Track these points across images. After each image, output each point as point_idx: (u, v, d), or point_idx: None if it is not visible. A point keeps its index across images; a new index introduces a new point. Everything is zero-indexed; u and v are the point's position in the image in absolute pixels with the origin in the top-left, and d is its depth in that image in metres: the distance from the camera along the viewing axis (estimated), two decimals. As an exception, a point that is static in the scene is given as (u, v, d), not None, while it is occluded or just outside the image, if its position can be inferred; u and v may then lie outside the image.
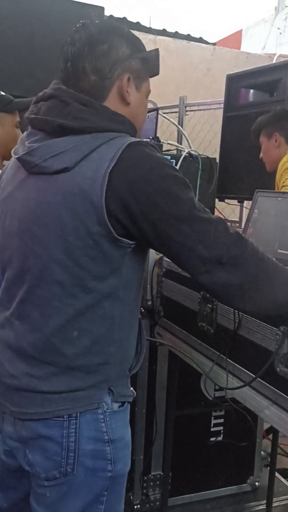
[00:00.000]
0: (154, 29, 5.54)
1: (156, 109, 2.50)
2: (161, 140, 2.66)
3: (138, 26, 5.48)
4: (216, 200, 2.92)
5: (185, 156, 2.50)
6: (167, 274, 1.81)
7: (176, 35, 5.74)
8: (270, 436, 2.42)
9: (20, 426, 1.14)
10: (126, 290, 1.11)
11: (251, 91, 2.89)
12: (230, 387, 1.38)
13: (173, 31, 5.81)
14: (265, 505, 2.31)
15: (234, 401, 1.42)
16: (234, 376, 1.38)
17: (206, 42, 6.05)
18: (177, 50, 5.25)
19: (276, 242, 1.46)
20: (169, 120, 3.22)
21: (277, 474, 2.39)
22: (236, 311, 1.34)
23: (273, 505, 2.30)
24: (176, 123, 3.49)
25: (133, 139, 1.06)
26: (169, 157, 2.53)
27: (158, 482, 2.21)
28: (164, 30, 5.74)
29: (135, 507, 2.18)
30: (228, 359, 1.40)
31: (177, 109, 3.92)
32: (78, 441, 1.10)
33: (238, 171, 2.85)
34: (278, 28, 8.65)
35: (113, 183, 1.01)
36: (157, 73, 1.20)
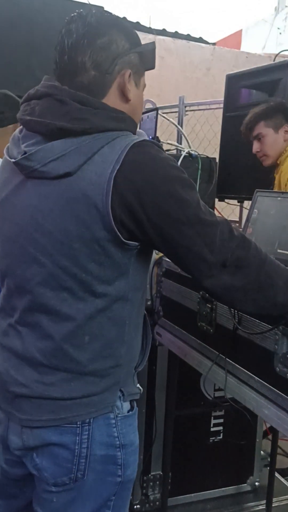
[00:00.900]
0: (154, 29, 5.54)
1: (156, 109, 2.49)
2: (161, 140, 2.65)
3: (138, 26, 5.48)
4: (216, 200, 2.92)
5: (184, 156, 2.49)
6: (167, 274, 1.81)
7: (176, 35, 5.73)
8: (271, 436, 2.42)
9: (28, 434, 1.11)
10: (134, 291, 1.10)
11: (251, 91, 2.89)
12: (229, 387, 1.38)
13: (173, 31, 5.81)
14: (265, 505, 2.31)
15: (234, 401, 1.42)
16: (234, 376, 1.38)
17: (206, 42, 6.05)
18: (177, 50, 5.25)
19: (275, 242, 1.45)
20: (168, 120, 3.21)
21: (276, 474, 2.39)
22: (235, 311, 1.34)
23: (273, 505, 2.30)
24: (176, 123, 3.48)
25: (136, 139, 1.03)
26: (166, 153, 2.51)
27: (158, 482, 2.22)
28: (164, 30, 5.74)
29: (135, 507, 2.18)
30: (227, 359, 1.40)
31: (176, 109, 3.91)
32: (90, 447, 1.09)
33: (238, 171, 2.85)
34: (278, 28, 8.65)
35: (118, 188, 0.98)
36: (153, 67, 1.16)
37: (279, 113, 2.39)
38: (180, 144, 3.08)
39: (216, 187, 2.75)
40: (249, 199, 1.72)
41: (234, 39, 8.61)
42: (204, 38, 6.17)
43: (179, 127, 3.46)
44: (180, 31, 5.85)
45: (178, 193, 1.01)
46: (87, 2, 3.23)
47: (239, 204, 3.30)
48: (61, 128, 1.02)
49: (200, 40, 6.00)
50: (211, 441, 2.27)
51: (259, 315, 1.20)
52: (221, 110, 3.06)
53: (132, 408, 1.16)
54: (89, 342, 1.07)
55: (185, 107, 3.87)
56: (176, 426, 2.07)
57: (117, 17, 1.11)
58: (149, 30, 5.43)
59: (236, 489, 2.38)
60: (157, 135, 2.57)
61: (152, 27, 5.68)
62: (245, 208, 3.09)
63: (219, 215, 1.11)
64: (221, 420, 2.28)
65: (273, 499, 2.31)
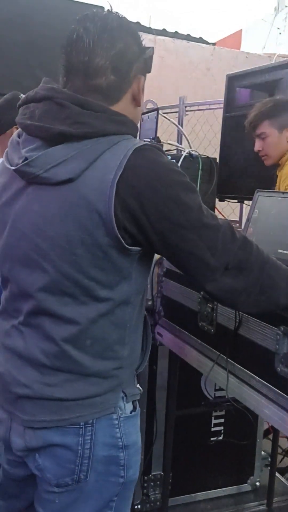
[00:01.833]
0: (154, 29, 5.53)
1: (157, 109, 2.49)
2: (161, 140, 2.65)
3: (138, 26, 5.48)
4: (216, 200, 2.92)
5: (185, 156, 2.49)
6: (168, 274, 1.81)
7: (176, 35, 5.73)
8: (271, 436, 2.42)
9: (30, 435, 1.11)
10: (136, 294, 1.10)
11: (251, 91, 2.89)
12: (230, 387, 1.38)
13: (173, 31, 5.81)
14: (265, 505, 2.31)
15: (235, 400, 1.42)
16: (235, 376, 1.38)
17: (206, 42, 6.05)
18: (176, 50, 5.25)
19: (276, 242, 1.45)
20: (169, 120, 3.21)
21: (277, 474, 2.39)
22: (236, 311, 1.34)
23: (274, 505, 2.30)
24: (176, 123, 3.48)
25: (138, 143, 1.02)
26: (169, 157, 2.52)
27: (158, 482, 2.21)
28: (164, 30, 5.73)
29: (136, 507, 2.17)
30: (228, 359, 1.39)
31: (177, 109, 3.92)
32: (93, 448, 1.09)
33: (238, 170, 2.85)
34: (278, 28, 8.64)
35: (120, 193, 0.98)
36: (150, 71, 1.16)
37: (285, 112, 2.32)
38: (181, 144, 3.08)
39: (217, 187, 2.75)
40: (250, 199, 1.73)
41: (234, 39, 8.61)
42: (204, 38, 6.17)
43: (180, 127, 3.46)
44: (180, 31, 5.85)
45: (180, 198, 1.01)
46: (87, 2, 3.23)
47: (239, 203, 3.30)
48: (62, 132, 1.01)
49: (200, 40, 5.99)
50: (211, 441, 2.26)
51: (261, 315, 1.20)
52: (221, 110, 3.06)
53: (134, 409, 1.16)
54: (91, 345, 1.07)
55: (185, 107, 3.87)
56: (176, 426, 2.07)
57: (129, 21, 1.11)
58: (149, 30, 5.42)
59: (236, 489, 2.37)
60: (157, 135, 2.58)
61: (152, 27, 5.68)
62: (247, 205, 3.08)
63: (221, 217, 1.10)
64: (222, 420, 2.28)
65: (274, 499, 2.31)
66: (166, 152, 2.78)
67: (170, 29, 5.82)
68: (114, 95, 1.08)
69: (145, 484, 2.20)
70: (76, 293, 1.04)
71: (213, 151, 3.24)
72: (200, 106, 3.89)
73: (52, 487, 1.10)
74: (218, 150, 3.04)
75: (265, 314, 1.17)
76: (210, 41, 6.34)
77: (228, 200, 3.05)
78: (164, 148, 2.83)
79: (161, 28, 5.73)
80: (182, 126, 3.72)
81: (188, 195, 1.02)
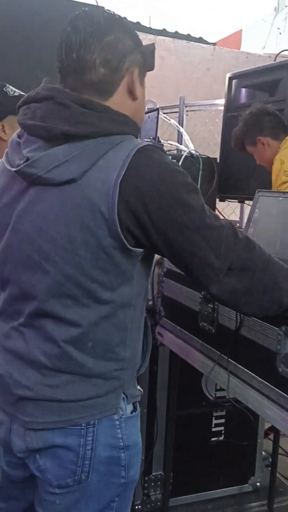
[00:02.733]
0: (154, 29, 5.53)
1: (157, 109, 2.49)
2: (162, 140, 2.65)
3: (138, 26, 5.47)
4: (217, 200, 2.92)
5: (185, 156, 2.49)
6: (168, 274, 1.81)
7: (176, 35, 5.73)
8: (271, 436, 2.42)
9: (31, 437, 1.10)
10: (137, 296, 1.10)
11: (252, 91, 2.89)
12: (231, 387, 1.38)
13: (173, 31, 5.81)
14: (266, 505, 2.31)
15: (235, 401, 1.41)
16: (236, 376, 1.37)
17: (206, 42, 6.05)
18: (177, 50, 5.25)
19: (277, 241, 1.45)
20: (169, 120, 3.21)
21: (278, 474, 2.39)
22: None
23: (274, 506, 2.30)
24: (177, 123, 3.48)
25: (140, 143, 1.01)
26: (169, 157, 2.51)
27: (159, 483, 2.21)
28: (164, 30, 5.73)
29: (136, 507, 2.17)
30: (229, 359, 1.39)
31: (177, 109, 3.92)
32: (94, 449, 1.08)
33: (239, 170, 2.85)
34: (278, 28, 8.64)
35: (123, 194, 0.97)
36: (152, 68, 1.15)
37: (252, 128, 2.45)
38: (181, 144, 3.08)
39: (217, 187, 2.75)
40: (250, 199, 1.73)
41: (234, 39, 8.61)
42: (204, 38, 6.17)
43: (180, 127, 3.46)
44: (180, 31, 5.85)
45: (183, 198, 1.00)
46: (88, 2, 3.23)
47: (239, 203, 3.31)
48: (64, 132, 0.99)
49: (200, 40, 5.99)
50: (212, 441, 2.26)
51: (264, 317, 1.20)
52: (222, 110, 3.06)
53: (135, 409, 1.16)
54: (92, 347, 1.06)
55: (186, 107, 3.87)
56: (177, 427, 2.07)
57: (121, 16, 1.10)
58: (149, 30, 5.42)
59: (237, 490, 2.37)
60: (158, 135, 2.57)
61: (152, 27, 5.68)
62: (248, 205, 3.08)
63: (222, 218, 1.10)
64: (222, 421, 2.28)
65: (275, 499, 2.31)
66: (167, 153, 2.77)
67: (170, 29, 5.83)
68: (107, 88, 1.06)
69: (146, 485, 2.20)
70: (78, 295, 1.03)
71: (214, 151, 3.24)
72: (201, 106, 3.89)
73: (53, 488, 1.09)
74: (218, 150, 3.04)
75: (268, 316, 1.16)
76: (210, 41, 6.34)
77: (228, 200, 3.05)
78: (165, 148, 2.83)
79: (161, 28, 5.73)
80: (182, 126, 3.72)
81: (191, 195, 1.01)
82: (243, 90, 2.91)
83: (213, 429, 2.27)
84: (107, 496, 1.12)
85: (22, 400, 1.10)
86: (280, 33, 8.62)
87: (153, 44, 1.16)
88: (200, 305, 1.54)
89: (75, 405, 1.07)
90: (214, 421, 2.27)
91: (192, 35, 5.96)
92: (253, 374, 1.30)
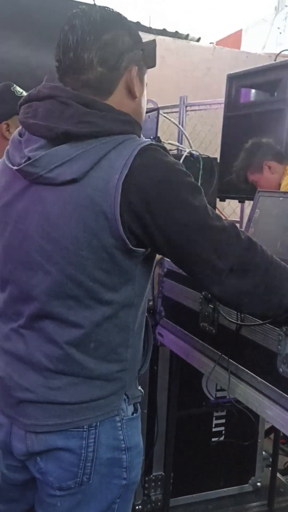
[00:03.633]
0: (154, 29, 5.52)
1: (157, 109, 2.49)
2: (162, 140, 2.65)
3: (138, 26, 5.47)
4: (217, 199, 2.92)
5: (186, 156, 2.49)
6: (168, 274, 1.81)
7: (176, 35, 5.72)
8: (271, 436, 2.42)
9: (32, 439, 1.09)
10: (139, 296, 1.09)
11: (252, 90, 2.89)
12: (232, 387, 1.37)
13: (173, 31, 5.80)
14: (266, 505, 2.31)
15: (236, 401, 1.41)
16: (236, 377, 1.37)
17: (206, 42, 6.04)
18: (177, 50, 5.25)
19: (277, 242, 1.45)
20: (169, 120, 3.21)
21: (278, 475, 2.39)
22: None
23: (275, 506, 2.30)
24: (177, 123, 3.48)
25: (143, 143, 1.01)
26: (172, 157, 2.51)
27: (159, 483, 2.22)
28: (164, 30, 5.72)
29: (137, 507, 2.17)
30: (230, 360, 1.39)
31: (177, 109, 3.92)
32: (96, 451, 1.08)
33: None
34: (278, 28, 8.63)
35: (126, 194, 0.96)
36: (154, 65, 1.13)
37: (256, 155, 2.47)
38: (181, 144, 3.08)
39: (217, 187, 2.75)
40: (250, 199, 1.72)
41: (234, 39, 8.60)
42: (204, 38, 6.17)
43: (180, 127, 3.46)
44: (180, 31, 5.84)
45: (185, 199, 0.99)
46: (87, 1, 3.23)
47: (240, 203, 3.31)
48: (67, 132, 0.99)
49: (200, 40, 5.99)
50: (213, 441, 2.26)
51: (265, 317, 1.19)
52: (222, 110, 3.06)
53: (136, 411, 1.16)
54: (94, 348, 1.05)
55: (186, 107, 3.87)
56: (177, 427, 2.07)
57: (120, 14, 1.09)
58: (149, 30, 5.42)
59: (238, 490, 2.37)
60: (158, 135, 2.57)
61: (152, 27, 5.67)
62: (249, 203, 3.08)
63: (224, 218, 1.10)
64: (223, 421, 2.28)
65: (275, 499, 2.31)
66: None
67: (170, 29, 5.81)
68: (105, 87, 1.05)
69: (146, 485, 2.20)
70: (80, 296, 1.02)
71: (214, 151, 3.24)
72: (201, 106, 3.89)
73: (54, 490, 1.09)
74: (219, 150, 3.04)
75: (268, 316, 1.16)
76: (210, 41, 6.34)
77: (229, 199, 3.05)
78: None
79: (161, 28, 5.72)
80: (183, 126, 3.72)
81: (194, 196, 1.01)
82: (243, 89, 2.91)
83: (214, 429, 2.27)
84: (108, 497, 1.12)
85: (23, 402, 1.09)
86: (280, 33, 8.61)
87: (155, 40, 1.14)
88: (200, 305, 1.53)
89: (77, 407, 1.06)
90: (215, 421, 2.27)
91: (192, 35, 5.96)
92: (253, 375, 1.30)
